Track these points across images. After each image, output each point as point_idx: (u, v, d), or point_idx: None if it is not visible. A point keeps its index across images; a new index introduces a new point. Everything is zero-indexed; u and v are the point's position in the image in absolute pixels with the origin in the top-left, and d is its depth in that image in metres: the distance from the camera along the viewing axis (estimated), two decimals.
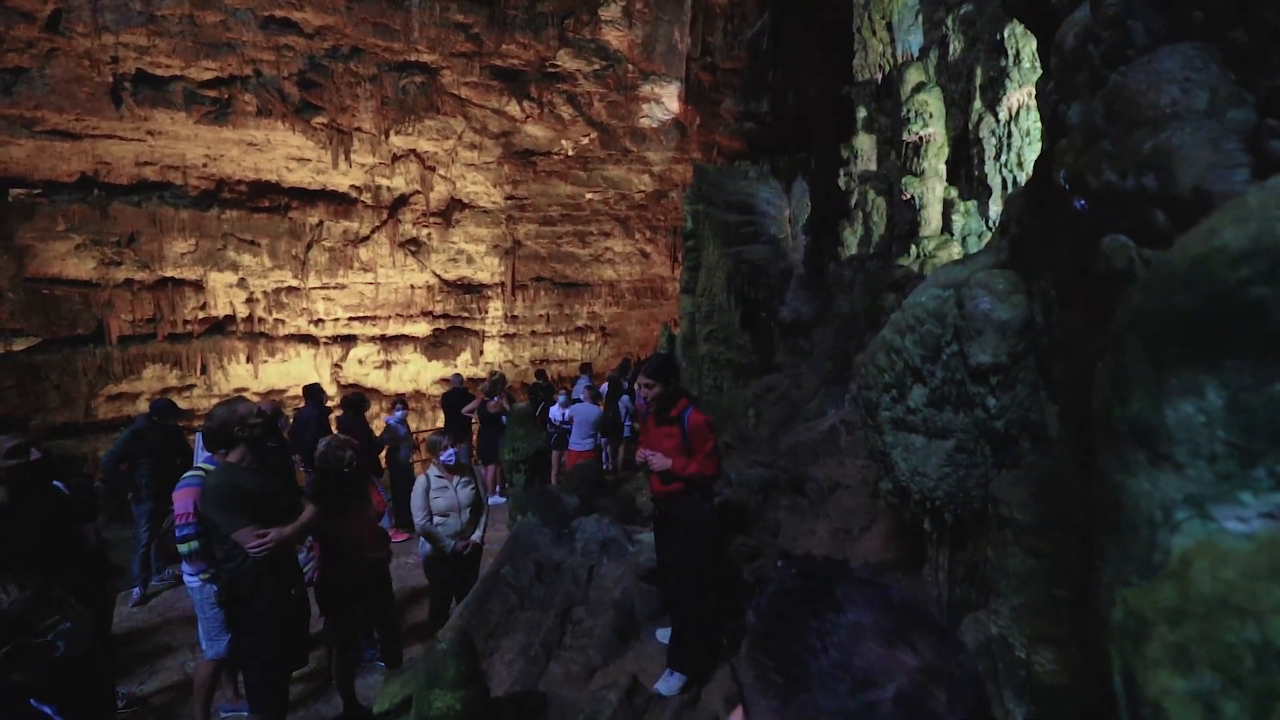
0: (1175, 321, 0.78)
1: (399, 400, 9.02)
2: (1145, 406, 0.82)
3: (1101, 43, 1.08)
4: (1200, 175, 0.85)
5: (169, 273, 11.81)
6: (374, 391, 13.74)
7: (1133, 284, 0.88)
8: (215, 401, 12.37)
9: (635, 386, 9.69)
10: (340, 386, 13.52)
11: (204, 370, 12.43)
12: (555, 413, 8.53)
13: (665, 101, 13.21)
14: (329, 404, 7.76)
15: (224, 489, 2.60)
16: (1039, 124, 5.16)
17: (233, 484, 2.62)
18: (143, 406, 10.85)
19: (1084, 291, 1.77)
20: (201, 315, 12.38)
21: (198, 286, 12.23)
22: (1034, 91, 5.25)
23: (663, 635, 3.37)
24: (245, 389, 12.72)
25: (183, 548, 3.01)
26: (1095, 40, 1.10)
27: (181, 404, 11.46)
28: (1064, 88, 1.30)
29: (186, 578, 3.30)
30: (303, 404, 7.61)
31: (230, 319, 12.70)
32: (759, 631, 0.55)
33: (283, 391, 13.07)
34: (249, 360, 12.89)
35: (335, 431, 6.68)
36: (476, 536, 4.20)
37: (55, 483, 2.58)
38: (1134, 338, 0.80)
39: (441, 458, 4.15)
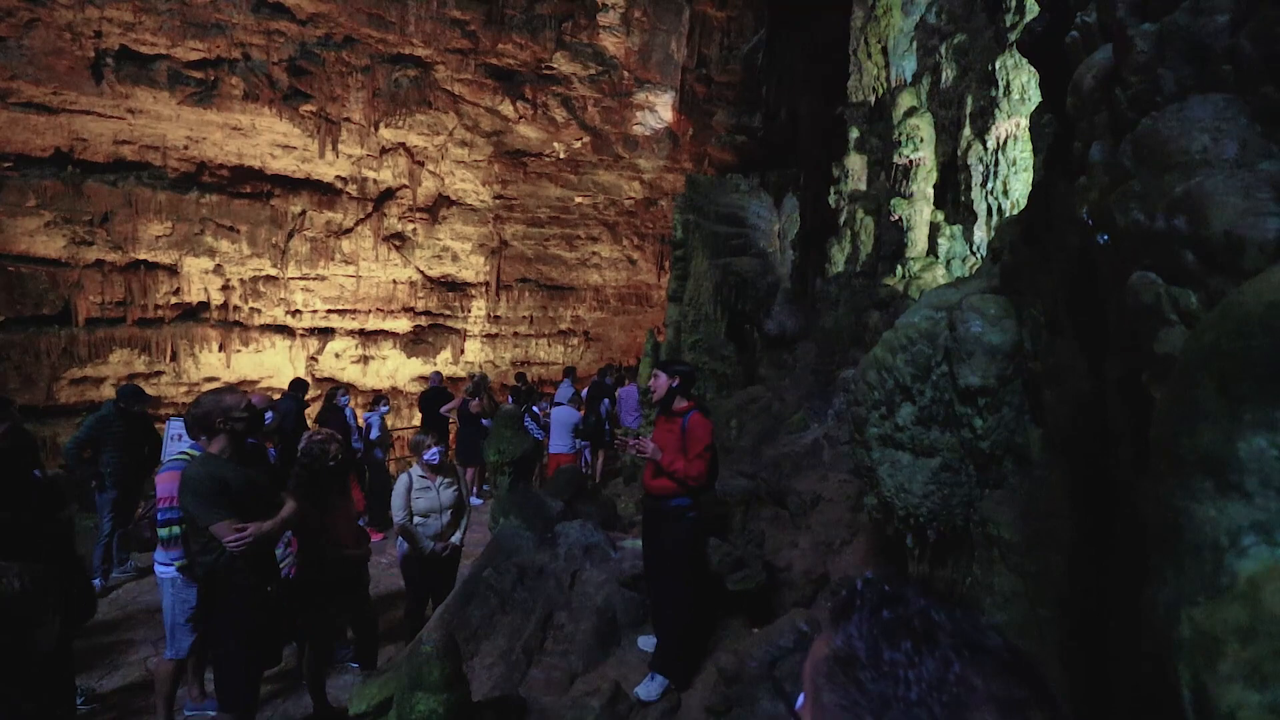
0: (1250, 360, 0.83)
1: (381, 397, 8.88)
2: (1215, 438, 0.86)
3: (1129, 87, 1.14)
4: (1232, 221, 0.90)
5: (142, 255, 11.49)
6: (350, 387, 13.52)
7: (1201, 323, 0.92)
8: (184, 390, 12.10)
9: (616, 392, 9.69)
10: (315, 380, 13.27)
11: (174, 357, 12.10)
12: (529, 423, 8.44)
13: (659, 110, 13.29)
14: (308, 399, 7.61)
15: (203, 480, 2.52)
16: (1026, 154, 5.33)
17: (213, 475, 2.54)
18: (108, 392, 10.50)
19: (1078, 320, 1.83)
20: (174, 300, 12.06)
21: (172, 271, 11.92)
22: (1022, 123, 5.41)
23: (644, 643, 3.37)
24: (216, 378, 12.42)
25: (163, 532, 2.90)
26: (1123, 84, 1.16)
27: (149, 391, 11.11)
28: (1081, 126, 1.35)
29: (158, 568, 3.20)
30: (278, 397, 7.46)
31: (204, 306, 12.40)
32: (845, 655, 0.49)
33: (255, 383, 12.78)
34: (222, 349, 12.58)
35: (312, 425, 6.56)
36: (456, 538, 4.15)
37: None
38: (1205, 373, 0.85)
39: (425, 457, 4.09)
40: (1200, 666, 0.80)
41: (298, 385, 7.28)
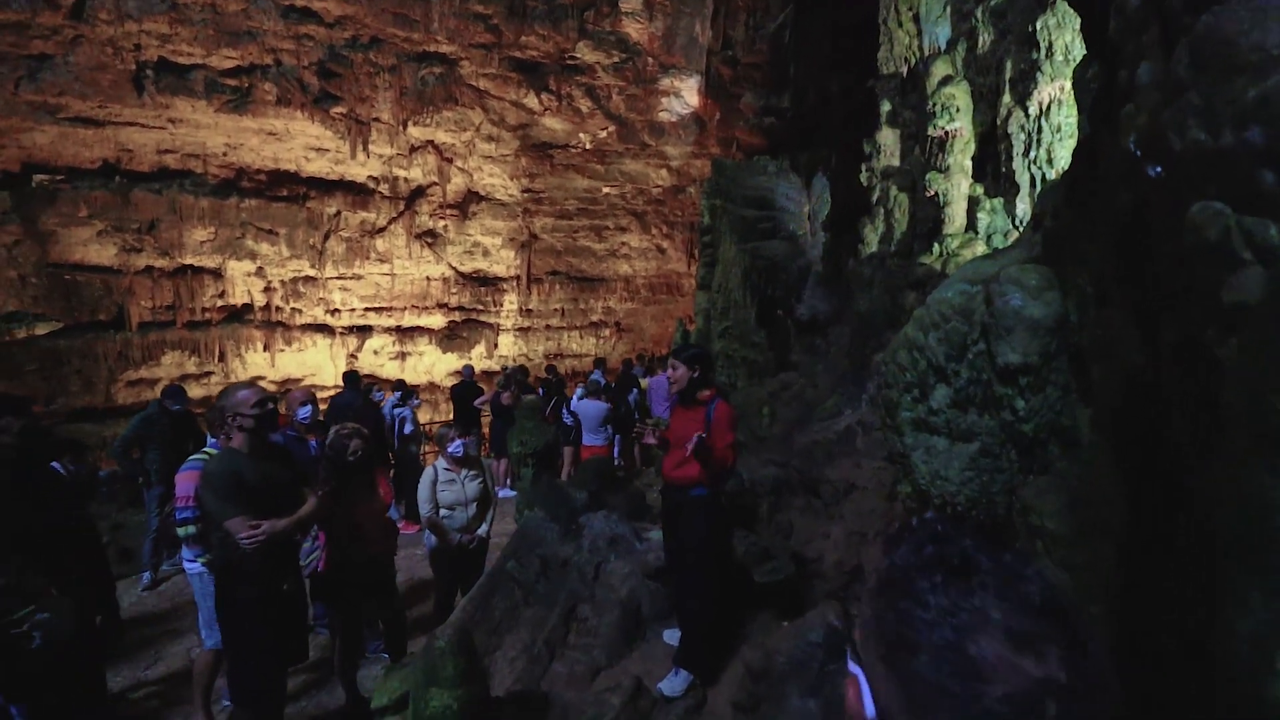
0: None
1: (411, 390, 8.98)
2: None
3: None
4: None
5: (188, 260, 11.93)
6: (389, 383, 13.80)
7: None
8: None
9: (647, 381, 9.60)
10: None
11: (222, 358, 12.54)
12: (567, 413, 8.44)
13: (685, 95, 13.08)
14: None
15: (221, 476, 2.52)
16: (1071, 119, 5.00)
17: (231, 472, 2.53)
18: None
19: (1128, 286, 1.65)
20: (220, 303, 12.50)
21: (216, 274, 12.34)
22: (1066, 86, 5.07)
23: (670, 636, 3.28)
24: (262, 377, 12.84)
25: (180, 531, 2.96)
26: None
27: (199, 391, 11.57)
28: (1127, 51, 1.17)
29: (186, 564, 3.27)
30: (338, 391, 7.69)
31: (248, 307, 12.80)
32: (884, 581, 0.56)
33: (298, 380, 13.16)
34: (266, 349, 12.99)
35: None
36: (483, 531, 4.14)
37: (53, 464, 2.54)
38: None
39: (449, 450, 4.09)
40: None
41: (352, 378, 7.49)
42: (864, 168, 7.15)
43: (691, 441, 2.89)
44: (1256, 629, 0.66)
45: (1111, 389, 1.73)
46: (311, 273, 13.10)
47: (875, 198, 6.95)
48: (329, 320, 13.62)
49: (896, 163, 6.83)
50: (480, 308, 14.89)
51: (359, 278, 13.64)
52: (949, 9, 6.43)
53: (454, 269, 14.48)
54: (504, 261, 14.82)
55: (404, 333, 14.34)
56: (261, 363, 13.02)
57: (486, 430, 9.78)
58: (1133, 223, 1.34)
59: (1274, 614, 0.64)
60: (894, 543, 0.58)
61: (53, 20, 9.34)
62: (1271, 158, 0.81)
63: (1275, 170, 0.80)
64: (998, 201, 5.70)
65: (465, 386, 9.11)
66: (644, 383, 9.58)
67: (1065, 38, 5.03)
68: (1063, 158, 5.06)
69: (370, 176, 12.96)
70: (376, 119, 12.12)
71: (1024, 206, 5.43)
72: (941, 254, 5.85)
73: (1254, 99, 0.83)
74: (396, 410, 7.43)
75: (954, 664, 0.48)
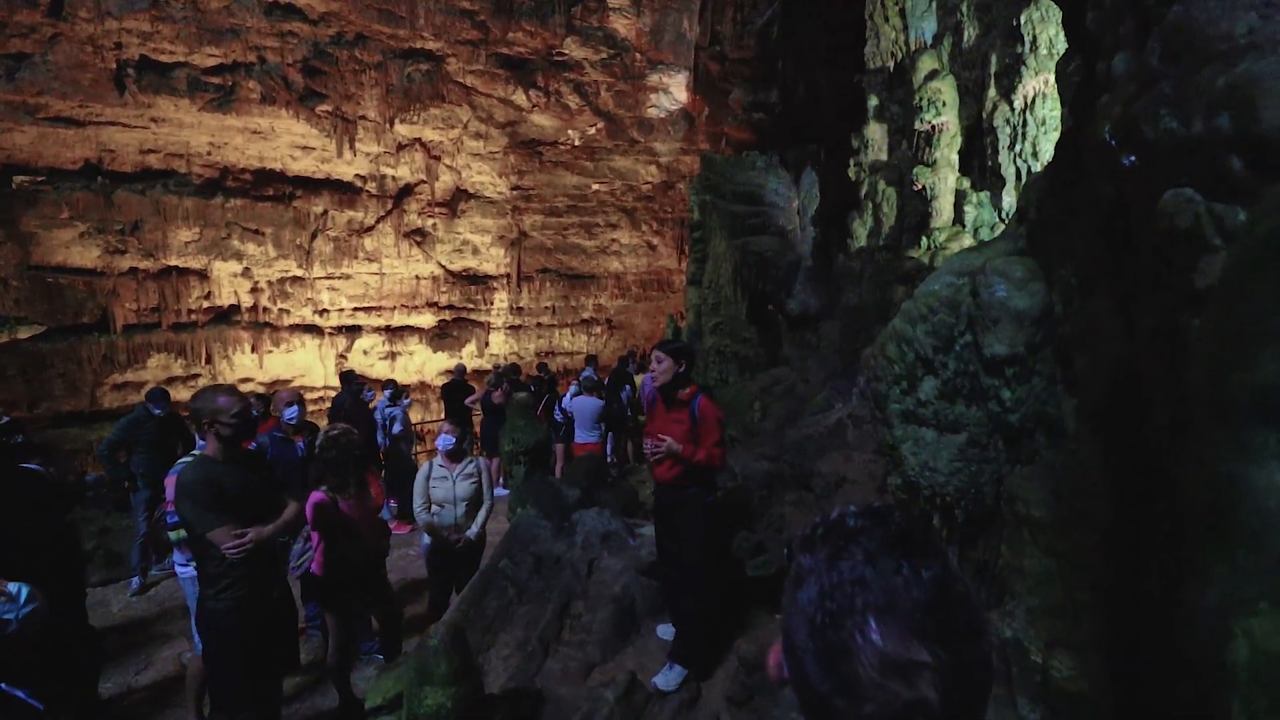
0: None
1: (401, 390, 8.94)
2: None
3: None
4: None
5: (173, 261, 11.79)
6: (378, 383, 13.72)
7: (1257, 210, 0.70)
8: None
9: (638, 377, 9.59)
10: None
11: (209, 360, 12.42)
12: (565, 404, 8.42)
13: (673, 91, 13.07)
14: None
15: (201, 485, 2.39)
16: (1056, 112, 5.05)
17: (208, 480, 2.39)
18: None
19: (1111, 277, 1.67)
20: (206, 304, 12.36)
21: (202, 275, 12.20)
22: (1050, 79, 5.12)
23: (664, 631, 3.30)
24: (250, 379, 12.72)
25: (173, 535, 2.93)
26: None
27: (186, 394, 11.44)
28: (1104, 43, 1.19)
29: (178, 568, 3.25)
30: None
31: (235, 308, 12.68)
32: (794, 574, 0.60)
33: (287, 382, 13.05)
34: (253, 350, 12.87)
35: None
36: (471, 533, 4.12)
37: (32, 465, 2.49)
38: (1265, 279, 0.65)
39: (436, 443, 4.08)
40: (1262, 706, 0.61)
41: (349, 378, 7.55)
42: (852, 162, 7.18)
43: (660, 448, 2.89)
44: (1218, 599, 0.67)
45: (1096, 379, 1.76)
46: (299, 273, 12.99)
47: (864, 192, 6.98)
48: (317, 321, 13.51)
49: (884, 157, 6.86)
50: (470, 306, 14.83)
51: (347, 277, 13.55)
52: (934, 4, 6.46)
53: (443, 267, 14.41)
54: (494, 259, 14.77)
55: (394, 332, 14.26)
56: (249, 364, 12.90)
57: (478, 429, 9.75)
58: (1113, 213, 1.36)
59: (1234, 587, 0.65)
60: (806, 545, 0.62)
61: (30, 18, 9.19)
62: (1240, 143, 0.81)
63: (1244, 156, 0.81)
64: (984, 195, 5.74)
65: (456, 385, 9.08)
66: (638, 379, 9.58)
67: (1049, 31, 5.07)
68: (1047, 151, 5.11)
69: (357, 175, 12.86)
70: (363, 117, 12.03)
71: (1010, 199, 5.47)
72: (929, 247, 5.89)
73: (1223, 87, 0.83)
74: (387, 410, 7.40)
75: (807, 625, 0.56)
